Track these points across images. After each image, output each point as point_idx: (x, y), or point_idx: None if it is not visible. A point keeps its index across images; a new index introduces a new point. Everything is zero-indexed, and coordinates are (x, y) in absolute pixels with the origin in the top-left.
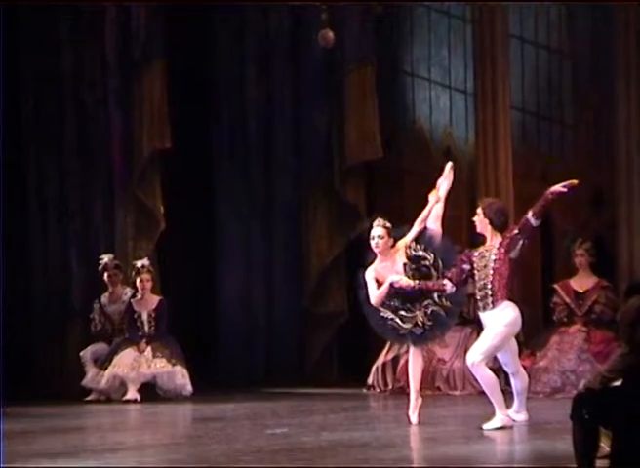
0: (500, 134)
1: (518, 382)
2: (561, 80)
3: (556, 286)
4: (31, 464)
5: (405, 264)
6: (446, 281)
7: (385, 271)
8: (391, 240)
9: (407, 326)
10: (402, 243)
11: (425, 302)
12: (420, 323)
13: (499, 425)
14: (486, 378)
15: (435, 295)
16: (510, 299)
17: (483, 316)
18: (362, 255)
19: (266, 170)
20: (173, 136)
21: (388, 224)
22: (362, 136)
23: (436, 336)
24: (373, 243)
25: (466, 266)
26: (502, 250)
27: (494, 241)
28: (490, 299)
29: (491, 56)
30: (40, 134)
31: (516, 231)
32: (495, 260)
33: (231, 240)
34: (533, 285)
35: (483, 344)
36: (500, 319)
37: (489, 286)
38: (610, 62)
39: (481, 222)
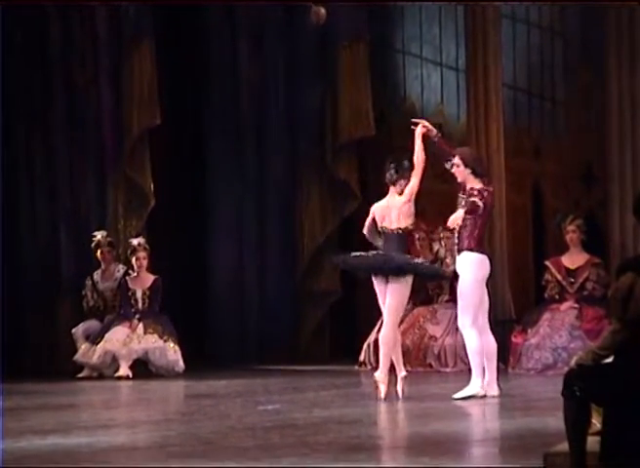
0: (491, 111)
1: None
2: (552, 57)
3: (548, 263)
4: (23, 441)
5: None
6: None
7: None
8: None
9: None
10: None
11: None
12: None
13: (470, 393)
14: (472, 341)
15: None
16: (474, 249)
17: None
18: (355, 233)
19: (258, 147)
20: (164, 113)
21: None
22: (354, 113)
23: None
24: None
25: None
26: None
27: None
28: (456, 248)
29: (482, 33)
30: (30, 111)
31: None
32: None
33: (223, 217)
34: (524, 262)
35: (461, 305)
36: (463, 269)
37: (456, 234)
38: (601, 40)
39: (461, 172)
